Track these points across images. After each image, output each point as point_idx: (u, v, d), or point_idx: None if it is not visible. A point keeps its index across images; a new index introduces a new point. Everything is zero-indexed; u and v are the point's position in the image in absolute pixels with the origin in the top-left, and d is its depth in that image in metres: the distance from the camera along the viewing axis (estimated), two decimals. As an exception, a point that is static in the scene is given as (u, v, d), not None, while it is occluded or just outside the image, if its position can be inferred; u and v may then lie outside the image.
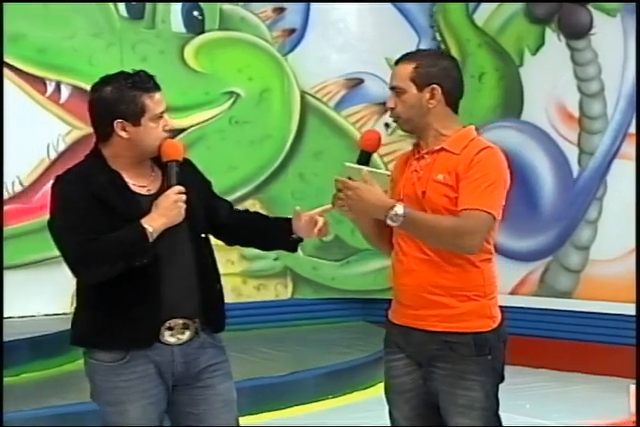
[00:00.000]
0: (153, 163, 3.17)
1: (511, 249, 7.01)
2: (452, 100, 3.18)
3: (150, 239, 2.96)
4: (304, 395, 5.79)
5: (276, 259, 7.25)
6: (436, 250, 3.09)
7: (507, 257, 7.02)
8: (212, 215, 3.26)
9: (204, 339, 3.16)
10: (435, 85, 3.13)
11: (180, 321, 3.09)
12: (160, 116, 3.07)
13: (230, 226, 3.31)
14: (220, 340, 3.23)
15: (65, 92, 6.70)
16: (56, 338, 6.05)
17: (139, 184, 3.10)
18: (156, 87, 3.09)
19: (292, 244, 3.34)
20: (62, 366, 5.95)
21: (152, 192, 3.10)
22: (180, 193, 3.00)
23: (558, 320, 6.82)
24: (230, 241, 3.42)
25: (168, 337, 3.08)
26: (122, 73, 3.10)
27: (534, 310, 6.93)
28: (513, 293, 7.13)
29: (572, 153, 6.97)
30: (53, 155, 6.67)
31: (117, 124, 3.03)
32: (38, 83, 6.63)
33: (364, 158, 3.13)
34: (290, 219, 3.31)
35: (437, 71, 3.14)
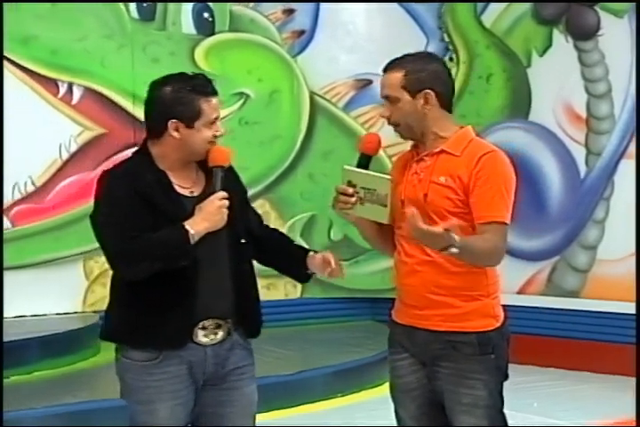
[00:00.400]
0: (198, 166, 3.16)
1: (519, 249, 7.00)
2: (446, 101, 3.16)
3: (192, 242, 2.95)
4: (312, 394, 5.79)
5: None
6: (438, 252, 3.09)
7: (514, 257, 7.01)
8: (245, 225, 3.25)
9: (235, 340, 3.15)
10: (427, 90, 3.11)
11: (214, 321, 3.09)
12: (213, 122, 3.07)
13: (257, 239, 3.28)
14: (249, 342, 3.23)
15: (77, 94, 6.71)
16: (67, 337, 6.08)
17: (183, 185, 3.09)
18: (214, 92, 3.10)
19: (305, 276, 3.32)
20: (73, 365, 5.97)
21: (195, 194, 3.09)
22: (224, 199, 2.99)
23: (566, 320, 6.81)
24: (253, 256, 3.37)
25: (202, 337, 3.08)
26: (183, 74, 3.12)
27: (542, 309, 6.93)
28: (520, 292, 7.13)
29: (579, 153, 6.97)
30: (65, 155, 6.69)
31: (172, 124, 3.04)
32: (50, 84, 6.65)
33: (365, 161, 3.13)
34: (308, 250, 3.30)
35: (427, 75, 3.12)
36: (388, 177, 3.05)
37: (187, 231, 2.94)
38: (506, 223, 3.09)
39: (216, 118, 3.08)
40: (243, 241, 3.17)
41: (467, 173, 3.06)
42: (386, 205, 3.04)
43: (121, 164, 3.17)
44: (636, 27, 6.57)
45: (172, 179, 3.08)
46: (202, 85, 3.09)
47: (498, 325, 3.16)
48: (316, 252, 3.27)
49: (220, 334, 3.10)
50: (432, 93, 3.11)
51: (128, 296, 3.06)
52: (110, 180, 3.08)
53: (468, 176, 3.06)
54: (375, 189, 3.04)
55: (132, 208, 2.99)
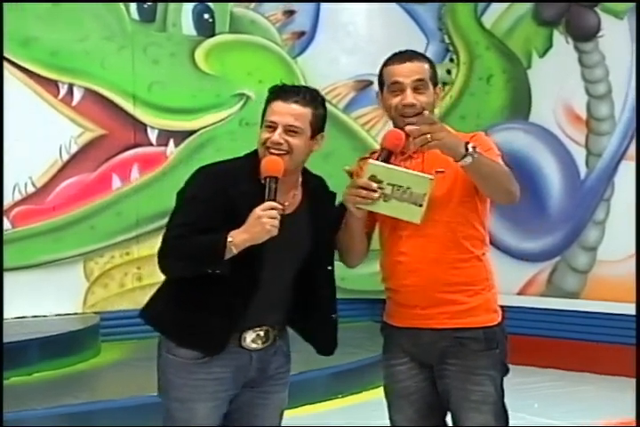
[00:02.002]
0: (300, 178, 3.10)
1: (519, 250, 7.01)
2: None
3: (228, 252, 2.87)
4: (312, 395, 5.78)
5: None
6: (442, 248, 3.09)
7: (514, 258, 7.03)
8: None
9: (279, 346, 3.16)
10: (439, 86, 3.21)
11: (264, 328, 3.07)
12: (268, 126, 3.02)
13: None
14: (289, 348, 3.24)
15: (77, 95, 6.71)
16: (68, 338, 6.07)
17: (278, 201, 2.95)
18: (284, 97, 3.06)
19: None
20: (74, 366, 5.95)
21: (287, 212, 2.98)
22: (272, 209, 2.86)
23: (566, 321, 6.81)
24: None
25: (250, 342, 3.05)
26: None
27: (542, 310, 6.93)
28: (520, 293, 7.14)
29: (579, 154, 6.97)
30: (66, 156, 6.68)
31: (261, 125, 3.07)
32: (51, 85, 6.64)
33: (388, 158, 3.06)
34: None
35: (436, 72, 3.21)
36: (430, 176, 2.98)
37: (225, 240, 2.86)
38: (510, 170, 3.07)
39: (272, 122, 3.02)
40: (329, 268, 3.17)
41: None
42: (421, 205, 2.97)
43: (223, 163, 3.11)
44: (635, 27, 6.57)
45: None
46: (276, 89, 3.13)
47: (499, 319, 3.17)
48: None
49: (268, 340, 3.09)
50: (441, 90, 3.22)
51: (183, 293, 3.02)
52: (199, 177, 3.03)
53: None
54: (409, 187, 2.96)
55: (206, 212, 2.94)
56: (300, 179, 3.12)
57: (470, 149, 2.88)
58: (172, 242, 2.96)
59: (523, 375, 5.79)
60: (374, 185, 2.98)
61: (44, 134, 6.57)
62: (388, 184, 2.99)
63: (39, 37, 6.56)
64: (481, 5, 7.45)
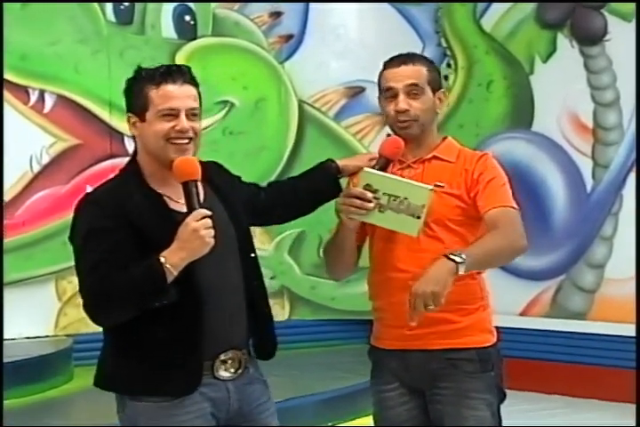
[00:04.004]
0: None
1: (521, 267, 7.01)
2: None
3: (168, 276, 2.72)
4: (301, 422, 5.76)
5: (272, 278, 7.24)
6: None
7: (516, 276, 7.03)
8: (254, 207, 3.15)
9: (252, 373, 3.04)
10: (443, 90, 3.22)
11: (233, 353, 2.94)
12: (168, 113, 2.83)
13: (273, 206, 3.21)
14: (262, 374, 3.11)
15: (49, 102, 6.70)
16: (38, 362, 6.04)
17: (178, 200, 2.85)
18: (170, 79, 2.85)
19: (339, 188, 3.22)
20: (45, 393, 5.93)
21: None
22: (203, 217, 2.72)
23: (571, 343, 6.81)
24: (283, 219, 3.35)
25: (222, 372, 2.93)
26: (152, 66, 2.93)
27: (546, 332, 6.92)
28: (523, 314, 7.13)
29: (585, 166, 6.99)
30: (37, 168, 6.66)
31: (128, 117, 2.90)
32: (20, 92, 6.63)
33: (385, 166, 3.06)
34: (327, 164, 3.30)
35: (439, 76, 3.24)
36: (430, 187, 2.96)
37: (161, 265, 2.70)
38: (514, 208, 3.09)
39: (171, 110, 2.83)
40: (252, 255, 3.06)
41: (468, 175, 3.10)
42: (419, 217, 2.95)
43: (104, 184, 2.96)
44: (635, 29, 6.60)
45: (166, 194, 2.89)
46: (153, 72, 2.87)
47: (494, 340, 3.18)
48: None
49: (238, 366, 2.96)
50: (444, 94, 3.22)
51: (131, 335, 2.86)
52: (90, 208, 2.86)
53: (470, 178, 3.09)
54: (407, 197, 2.95)
55: (112, 241, 2.77)
56: None
57: (457, 260, 2.84)
58: (97, 288, 2.76)
59: (525, 402, 5.78)
60: (369, 195, 2.97)
61: (13, 144, 6.54)
62: (384, 194, 2.98)
63: (7, 40, 6.55)
64: (480, 7, 7.47)
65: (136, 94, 2.88)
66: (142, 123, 2.87)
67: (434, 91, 3.17)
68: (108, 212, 2.81)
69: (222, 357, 2.92)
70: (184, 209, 2.79)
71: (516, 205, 3.09)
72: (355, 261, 3.24)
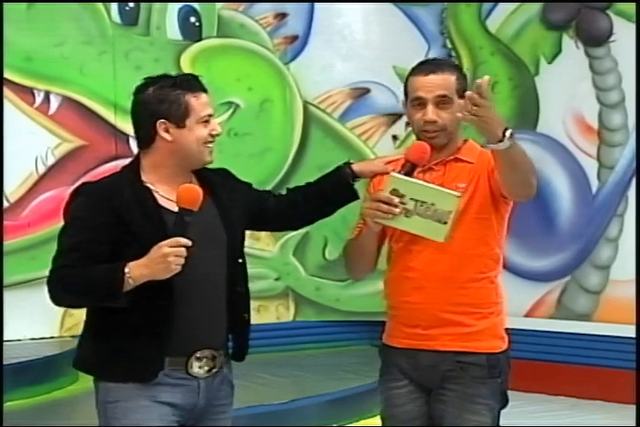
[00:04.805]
0: (197, 180, 3.11)
1: (526, 269, 7.01)
2: None
3: (126, 286, 2.84)
4: (306, 424, 5.77)
5: (277, 279, 7.25)
6: (454, 266, 3.11)
7: (521, 277, 7.02)
8: (264, 213, 3.25)
9: (225, 374, 3.14)
10: None
11: (210, 352, 3.05)
12: (207, 120, 3.03)
13: (283, 212, 3.29)
14: (232, 378, 3.20)
15: (54, 103, 6.72)
16: (44, 364, 6.05)
17: (171, 198, 2.97)
18: (202, 89, 3.05)
19: (353, 193, 3.31)
20: (50, 394, 5.94)
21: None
22: (179, 246, 2.80)
23: (577, 345, 6.80)
24: (294, 225, 3.44)
25: (196, 369, 3.03)
26: (165, 74, 3.10)
27: (551, 333, 6.92)
28: (528, 315, 7.13)
29: (590, 167, 6.98)
30: (42, 169, 6.68)
31: (160, 124, 2.99)
32: (26, 93, 6.65)
33: (412, 171, 3.06)
34: (343, 169, 3.34)
35: (467, 83, 3.21)
36: (458, 194, 2.99)
37: (123, 275, 2.82)
38: None
39: (209, 116, 3.04)
40: (240, 260, 3.13)
41: (485, 167, 3.11)
42: (446, 222, 2.97)
43: (102, 178, 3.14)
44: (635, 29, 6.59)
45: (164, 193, 3.01)
46: (187, 81, 3.04)
47: (505, 347, 3.19)
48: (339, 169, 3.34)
49: (214, 366, 3.06)
50: None
51: (105, 322, 3.01)
52: (79, 197, 3.05)
53: (486, 168, 3.11)
54: (434, 203, 2.97)
55: (90, 232, 2.94)
56: (193, 175, 3.13)
57: (508, 135, 2.87)
58: (60, 272, 2.95)
59: (530, 403, 5.77)
60: (396, 200, 2.99)
61: (19, 145, 6.56)
62: (411, 199, 3.00)
63: (13, 42, 6.56)
64: (485, 8, 7.46)
65: (173, 101, 2.99)
66: (180, 129, 3.00)
67: (462, 98, 3.13)
68: (93, 204, 2.98)
69: (198, 354, 3.02)
70: (174, 207, 2.90)
71: None
72: (375, 263, 3.26)
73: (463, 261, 3.13)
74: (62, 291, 2.95)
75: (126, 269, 2.83)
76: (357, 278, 3.38)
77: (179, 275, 2.85)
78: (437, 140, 3.15)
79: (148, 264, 2.82)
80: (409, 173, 3.04)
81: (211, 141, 3.05)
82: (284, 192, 3.41)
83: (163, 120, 2.99)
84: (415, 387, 3.20)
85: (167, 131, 3.00)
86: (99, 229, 2.93)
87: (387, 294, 3.28)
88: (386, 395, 3.28)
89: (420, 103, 3.14)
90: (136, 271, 2.83)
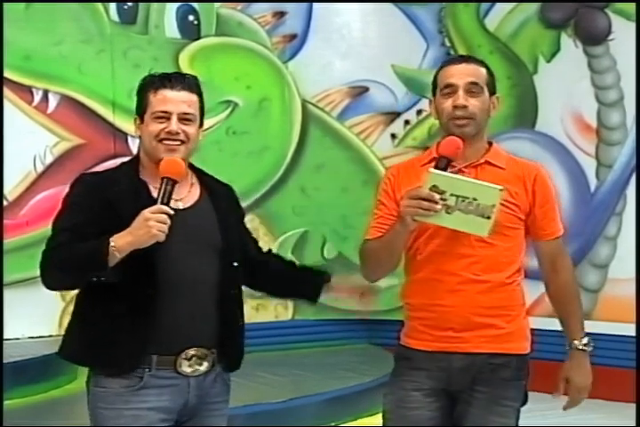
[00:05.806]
0: (196, 177, 3.17)
1: (525, 267, 6.99)
2: None
3: (112, 257, 2.85)
4: (304, 423, 5.77)
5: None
6: (487, 269, 3.14)
7: (520, 276, 7.00)
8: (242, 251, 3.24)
9: (218, 373, 3.13)
10: (497, 95, 3.24)
11: (199, 351, 3.04)
12: (161, 116, 3.03)
13: (256, 266, 3.27)
14: (229, 377, 3.20)
15: (53, 102, 6.71)
16: (42, 362, 6.04)
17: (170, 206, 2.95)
18: (170, 86, 3.05)
19: (316, 295, 3.38)
20: (49, 392, 5.94)
21: (181, 207, 3.05)
22: (161, 213, 2.84)
23: (576, 343, 6.79)
24: (252, 283, 3.35)
25: (185, 367, 3.03)
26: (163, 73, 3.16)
27: (550, 332, 6.83)
28: (527, 313, 7.11)
29: (589, 165, 6.98)
30: (40, 167, 6.68)
31: (135, 120, 3.11)
32: (24, 91, 6.64)
33: (446, 166, 3.03)
34: (313, 271, 3.37)
35: (495, 82, 3.24)
36: (500, 187, 2.95)
37: (108, 244, 2.84)
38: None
39: (163, 112, 3.03)
40: (235, 264, 3.13)
41: (525, 191, 3.16)
42: (489, 217, 2.94)
43: (103, 170, 3.22)
44: (635, 29, 6.59)
45: (155, 185, 3.01)
46: (166, 79, 3.07)
47: (529, 349, 3.21)
48: (321, 273, 3.34)
49: (205, 365, 3.06)
50: (497, 100, 3.24)
51: (91, 310, 3.02)
52: (78, 184, 3.11)
53: (526, 194, 3.16)
54: (476, 198, 2.93)
55: (86, 217, 2.97)
56: (194, 176, 3.19)
57: (588, 349, 3.47)
58: (52, 252, 2.97)
59: (530, 402, 5.75)
60: (437, 196, 2.95)
61: (17, 144, 6.55)
62: (452, 195, 2.96)
63: (11, 41, 6.56)
64: (484, 7, 7.47)
65: (139, 98, 3.09)
66: (142, 124, 3.08)
67: (490, 93, 3.19)
68: (88, 192, 3.04)
69: (187, 353, 3.02)
70: (172, 206, 2.92)
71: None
72: (397, 264, 3.22)
73: (495, 266, 3.15)
74: (52, 269, 2.96)
75: (111, 241, 2.84)
76: (376, 279, 3.29)
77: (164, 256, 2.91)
78: (467, 130, 3.13)
79: (130, 231, 2.85)
80: (445, 169, 3.01)
81: (165, 138, 3.03)
82: (262, 249, 3.42)
83: (135, 115, 3.11)
84: (433, 391, 3.17)
85: (138, 126, 3.11)
86: (91, 214, 2.98)
87: (410, 296, 3.25)
88: (399, 395, 3.22)
89: (452, 90, 3.14)
90: (120, 240, 2.84)
